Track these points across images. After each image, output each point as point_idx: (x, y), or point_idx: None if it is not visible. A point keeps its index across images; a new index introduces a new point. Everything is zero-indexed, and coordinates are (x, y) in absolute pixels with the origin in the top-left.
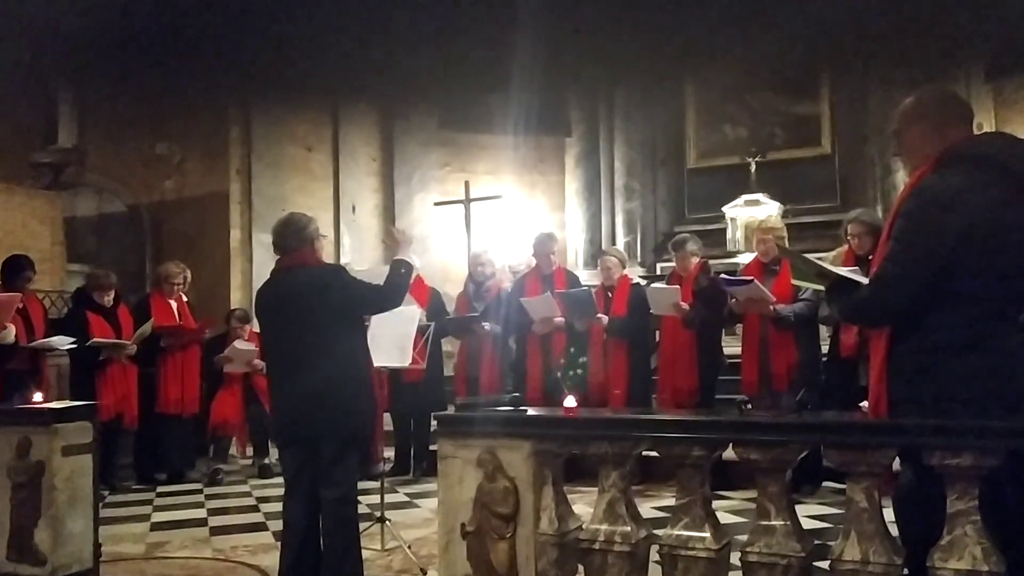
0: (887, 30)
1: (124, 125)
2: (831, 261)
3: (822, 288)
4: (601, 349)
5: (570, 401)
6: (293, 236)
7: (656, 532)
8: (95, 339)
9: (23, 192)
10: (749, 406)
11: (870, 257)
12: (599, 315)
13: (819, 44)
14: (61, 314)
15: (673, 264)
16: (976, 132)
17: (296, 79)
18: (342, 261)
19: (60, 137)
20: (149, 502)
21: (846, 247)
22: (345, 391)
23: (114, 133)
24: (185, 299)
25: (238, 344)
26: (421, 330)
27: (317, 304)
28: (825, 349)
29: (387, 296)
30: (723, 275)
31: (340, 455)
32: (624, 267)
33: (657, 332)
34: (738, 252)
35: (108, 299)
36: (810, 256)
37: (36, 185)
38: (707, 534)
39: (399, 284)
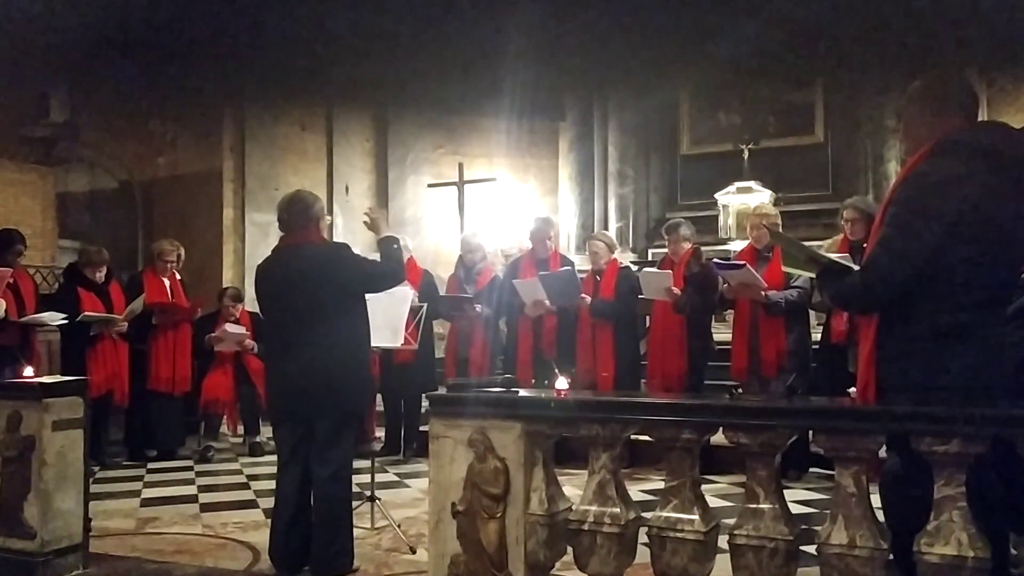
0: (882, 19)
1: (117, 101)
2: (826, 249)
3: (813, 275)
4: (589, 332)
5: (561, 383)
6: (299, 214)
7: (645, 514)
8: (86, 313)
9: (15, 167)
10: (740, 391)
11: (864, 244)
12: (582, 295)
13: (814, 32)
14: (52, 290)
15: (664, 250)
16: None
17: (290, 60)
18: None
19: (52, 112)
20: (139, 478)
21: (841, 235)
22: (346, 368)
23: (107, 109)
24: (178, 277)
25: (228, 327)
26: (413, 311)
27: (323, 281)
28: (816, 336)
29: (390, 272)
30: (715, 260)
31: (337, 432)
32: (612, 252)
33: (647, 317)
34: (729, 239)
35: (100, 275)
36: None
37: (28, 160)
38: (695, 516)
39: (397, 259)
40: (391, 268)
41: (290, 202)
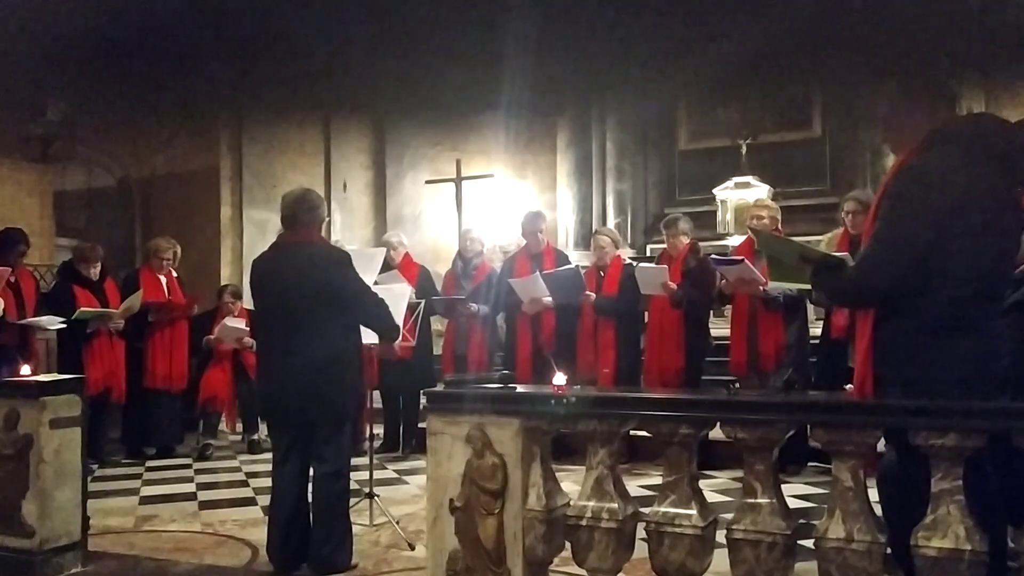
0: (880, 14)
1: (114, 99)
2: (827, 242)
3: (805, 287)
4: (591, 328)
5: (559, 378)
6: (305, 213)
7: (643, 509)
8: (82, 308)
9: (11, 165)
10: (737, 386)
11: None
12: (587, 292)
13: (812, 27)
14: (48, 288)
15: (663, 246)
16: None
17: (287, 57)
18: (332, 239)
19: (49, 110)
20: (138, 476)
21: (842, 229)
22: (336, 372)
23: (104, 107)
24: (175, 275)
25: (228, 322)
26: (411, 308)
27: (316, 281)
28: (814, 331)
29: (378, 319)
30: (713, 255)
31: (333, 430)
32: (617, 247)
33: (645, 312)
34: (728, 234)
35: (94, 271)
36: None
37: (25, 158)
38: (693, 511)
39: (390, 326)
40: (380, 319)
41: (297, 200)
